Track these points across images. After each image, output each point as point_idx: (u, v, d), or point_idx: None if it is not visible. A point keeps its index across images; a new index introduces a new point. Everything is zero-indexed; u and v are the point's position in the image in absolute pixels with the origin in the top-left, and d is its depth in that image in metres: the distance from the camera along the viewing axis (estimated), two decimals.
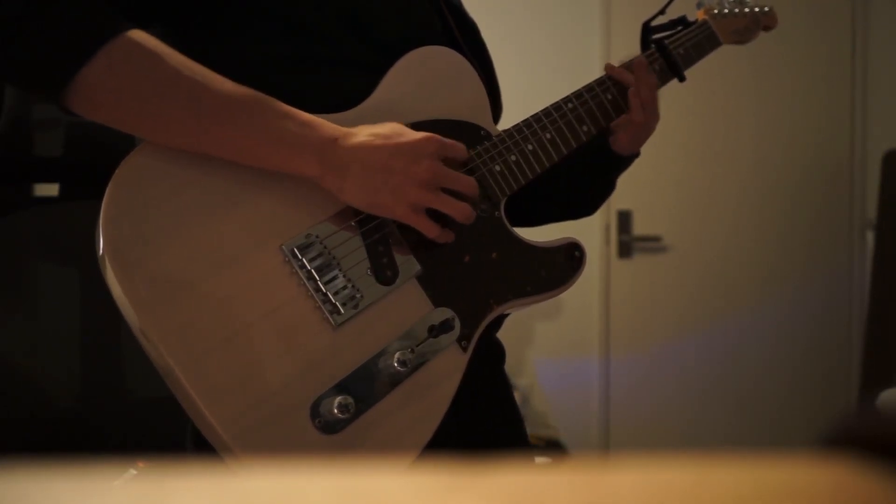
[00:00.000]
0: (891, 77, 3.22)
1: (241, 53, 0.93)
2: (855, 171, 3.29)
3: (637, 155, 1.19)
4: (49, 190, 1.92)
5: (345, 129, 0.87)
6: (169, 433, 1.07)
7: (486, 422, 1.05)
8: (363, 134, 0.87)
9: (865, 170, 3.26)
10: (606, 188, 1.25)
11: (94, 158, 1.79)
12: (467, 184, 0.92)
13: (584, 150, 1.10)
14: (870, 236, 3.13)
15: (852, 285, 3.28)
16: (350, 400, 0.83)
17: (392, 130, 0.89)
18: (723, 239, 3.20)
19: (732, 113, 3.21)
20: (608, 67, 1.13)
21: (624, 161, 1.18)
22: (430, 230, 0.90)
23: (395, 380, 0.87)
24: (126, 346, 1.82)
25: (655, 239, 3.17)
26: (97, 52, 0.80)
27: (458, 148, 0.93)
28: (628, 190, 3.15)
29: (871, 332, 2.87)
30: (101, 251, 0.79)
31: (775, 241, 3.23)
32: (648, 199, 3.15)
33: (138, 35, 0.83)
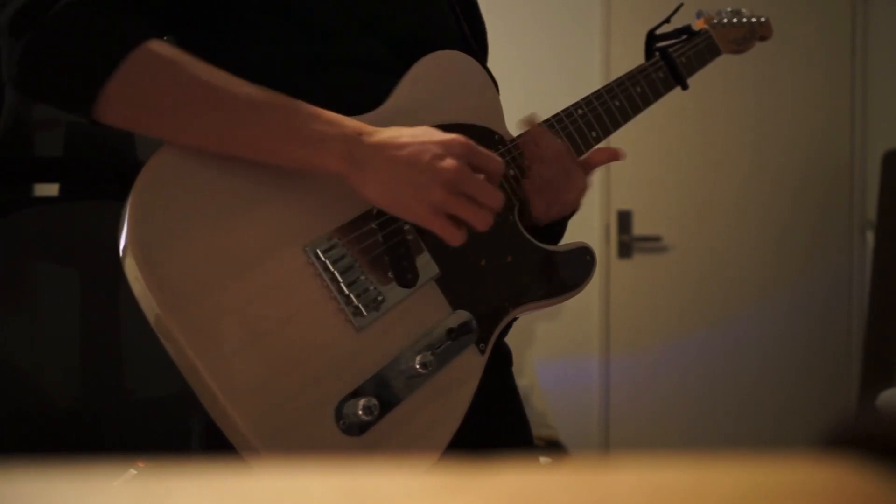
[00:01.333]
0: (891, 77, 3.22)
1: (255, 54, 0.93)
2: (855, 171, 3.29)
3: (575, 211, 1.09)
4: (49, 190, 1.92)
5: (371, 126, 0.87)
6: (169, 433, 1.07)
7: (493, 424, 1.05)
8: (390, 131, 0.87)
9: (865, 170, 3.26)
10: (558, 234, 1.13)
11: (94, 158, 1.79)
12: (492, 194, 0.87)
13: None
14: (870, 236, 3.13)
15: (852, 285, 3.28)
16: (374, 402, 0.83)
17: (419, 129, 0.88)
18: (723, 239, 3.20)
19: (732, 113, 3.21)
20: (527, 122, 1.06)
21: (553, 224, 1.08)
22: (451, 236, 0.86)
23: (417, 382, 0.87)
24: (126, 346, 1.82)
25: (655, 239, 3.17)
26: (117, 67, 0.81)
27: (490, 157, 0.88)
28: (628, 190, 3.15)
29: (871, 332, 2.87)
30: (123, 249, 0.79)
31: (775, 241, 3.23)
32: (648, 199, 3.15)
33: (156, 45, 0.83)
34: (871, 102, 3.28)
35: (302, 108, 0.85)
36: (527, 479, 0.26)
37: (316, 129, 0.84)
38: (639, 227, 3.17)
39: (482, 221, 0.87)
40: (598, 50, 3.08)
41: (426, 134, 0.87)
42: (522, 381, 2.97)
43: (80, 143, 1.84)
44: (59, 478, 0.25)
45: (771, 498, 0.25)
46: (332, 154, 0.84)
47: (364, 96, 0.94)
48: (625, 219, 3.15)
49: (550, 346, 3.09)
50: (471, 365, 0.92)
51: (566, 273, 1.03)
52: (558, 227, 1.10)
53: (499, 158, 0.90)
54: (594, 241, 3.11)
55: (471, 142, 0.87)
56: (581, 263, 1.04)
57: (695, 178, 3.18)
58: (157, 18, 0.89)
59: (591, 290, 3.15)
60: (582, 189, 1.06)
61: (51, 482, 0.25)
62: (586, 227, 3.08)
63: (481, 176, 0.87)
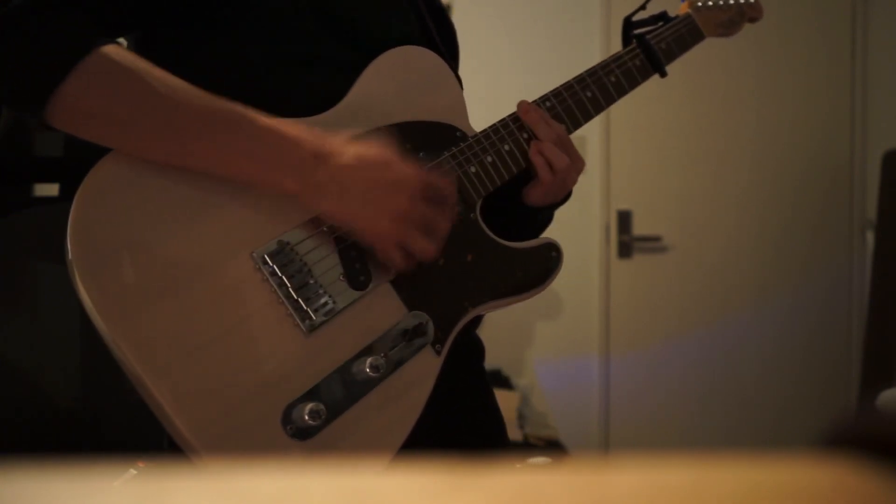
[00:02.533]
0: (891, 77, 3.22)
1: (220, 55, 0.93)
2: (855, 171, 3.29)
3: (568, 196, 1.10)
4: (49, 190, 1.92)
5: (330, 148, 0.86)
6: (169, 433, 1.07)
7: (463, 419, 1.05)
8: (349, 155, 0.87)
9: (865, 170, 3.26)
10: (543, 223, 1.13)
11: (94, 158, 1.79)
12: (441, 227, 0.91)
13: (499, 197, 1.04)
14: (870, 236, 3.13)
15: (852, 285, 3.28)
16: (321, 406, 0.83)
17: (380, 158, 0.88)
18: (723, 239, 3.21)
19: (733, 113, 3.21)
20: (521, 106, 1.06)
21: (546, 209, 1.08)
22: (396, 262, 0.90)
23: (368, 385, 0.87)
24: None
25: (655, 239, 3.17)
26: (70, 71, 0.80)
27: (446, 189, 0.92)
28: (628, 190, 3.15)
29: (871, 332, 2.87)
30: (69, 262, 0.79)
31: (775, 240, 3.23)
32: (648, 199, 3.15)
33: (113, 51, 0.82)
34: (871, 102, 3.28)
35: (262, 124, 0.84)
36: (527, 479, 0.26)
37: (274, 148, 0.85)
38: (639, 227, 3.17)
39: (426, 253, 0.90)
40: (598, 50, 3.08)
41: (384, 165, 0.88)
42: (522, 381, 2.97)
43: (80, 143, 1.83)
44: (59, 478, 0.25)
45: (771, 498, 0.25)
46: (286, 176, 0.85)
47: (331, 95, 0.94)
48: (625, 219, 3.15)
49: (550, 346, 3.09)
50: (426, 367, 0.92)
51: (530, 270, 1.01)
52: (549, 214, 1.10)
53: (450, 186, 0.93)
54: (594, 241, 3.12)
55: (425, 176, 0.90)
56: (546, 260, 1.03)
57: (695, 178, 3.18)
58: (125, 18, 0.89)
59: (591, 290, 3.15)
60: (580, 168, 1.06)
61: (51, 482, 0.25)
62: (586, 227, 3.08)
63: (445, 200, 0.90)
